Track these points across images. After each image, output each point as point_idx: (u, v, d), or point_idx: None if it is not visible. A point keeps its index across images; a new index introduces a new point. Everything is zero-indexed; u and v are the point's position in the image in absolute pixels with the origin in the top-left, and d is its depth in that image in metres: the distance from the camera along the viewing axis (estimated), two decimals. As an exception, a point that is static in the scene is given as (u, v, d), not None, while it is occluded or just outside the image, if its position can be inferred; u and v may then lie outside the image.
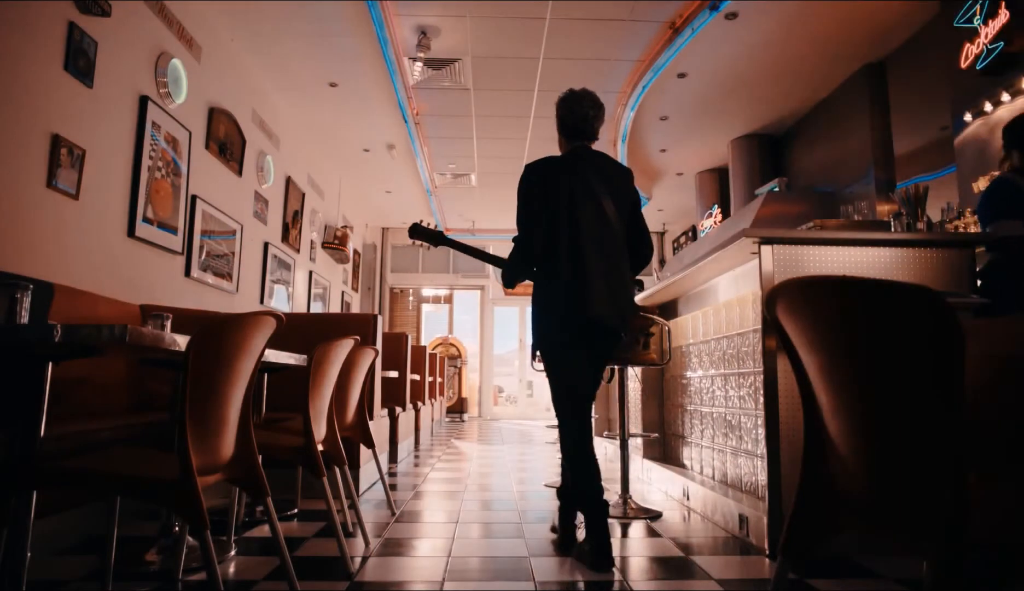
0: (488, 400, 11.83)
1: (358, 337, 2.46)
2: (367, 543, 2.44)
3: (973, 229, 3.70)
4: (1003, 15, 3.82)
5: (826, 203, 5.89)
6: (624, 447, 3.19)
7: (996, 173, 3.90)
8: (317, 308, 7.58)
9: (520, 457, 5.48)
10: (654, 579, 2.07)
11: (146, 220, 3.80)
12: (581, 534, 2.34)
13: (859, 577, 2.05)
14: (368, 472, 3.63)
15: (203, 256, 4.59)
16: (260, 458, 1.64)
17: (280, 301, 6.35)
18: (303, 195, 6.96)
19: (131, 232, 3.66)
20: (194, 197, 4.41)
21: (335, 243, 7.89)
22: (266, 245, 5.92)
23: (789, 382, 2.30)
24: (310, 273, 7.31)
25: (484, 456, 5.54)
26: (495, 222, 10.73)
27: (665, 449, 4.11)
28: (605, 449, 5.08)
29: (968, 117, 4.19)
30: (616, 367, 3.26)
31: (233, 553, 2.28)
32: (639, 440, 4.18)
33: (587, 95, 2.50)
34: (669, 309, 4.06)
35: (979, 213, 2.97)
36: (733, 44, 5.19)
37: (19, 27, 2.79)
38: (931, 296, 0.92)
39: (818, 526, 1.16)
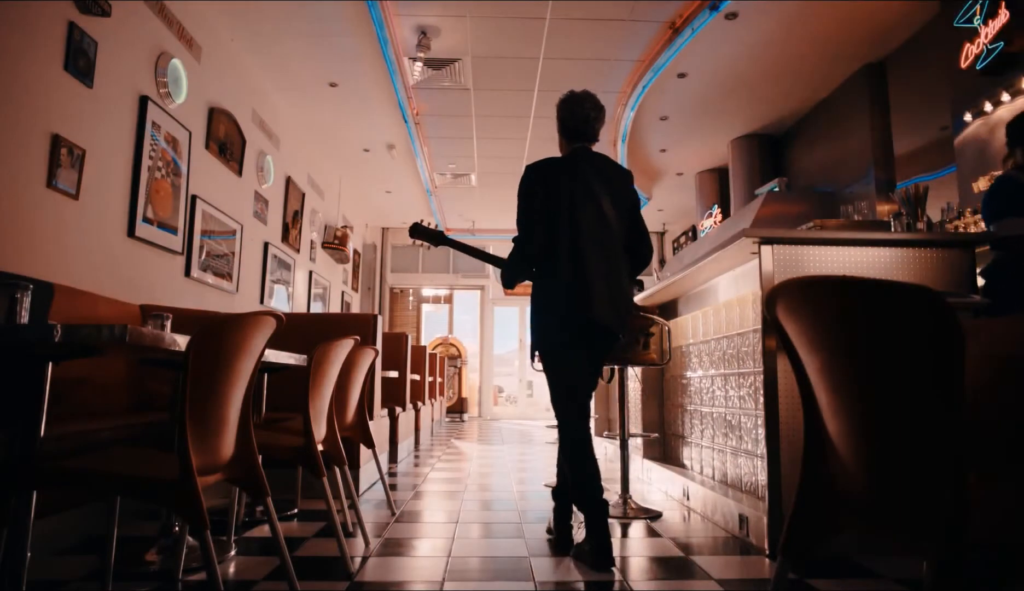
0: (488, 400, 11.84)
1: (358, 337, 2.46)
2: (367, 543, 2.44)
3: (973, 229, 3.71)
4: (1003, 15, 3.82)
5: (826, 203, 5.89)
6: (624, 447, 3.19)
7: (997, 172, 3.90)
8: (317, 308, 7.58)
9: (520, 457, 5.48)
10: (654, 579, 2.07)
11: (146, 220, 3.80)
12: (580, 534, 2.34)
13: (859, 577, 2.05)
14: (368, 472, 3.63)
15: (203, 256, 4.59)
16: (260, 458, 1.64)
17: (280, 301, 6.35)
18: (303, 195, 6.97)
19: (131, 232, 3.66)
20: (194, 197, 4.41)
21: (335, 243, 7.89)
22: (266, 245, 5.92)
23: (789, 382, 2.30)
24: (310, 273, 7.31)
25: (484, 456, 5.54)
26: (495, 222, 10.73)
27: (665, 449, 4.11)
28: (605, 449, 5.08)
29: (968, 117, 4.19)
30: (616, 367, 3.26)
31: (233, 553, 2.28)
32: (639, 440, 4.18)
33: (588, 97, 2.51)
34: (669, 309, 4.06)
35: (983, 211, 2.96)
36: (733, 44, 5.19)
37: (19, 27, 2.79)
38: (931, 296, 0.92)
39: (818, 526, 1.16)
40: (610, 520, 2.59)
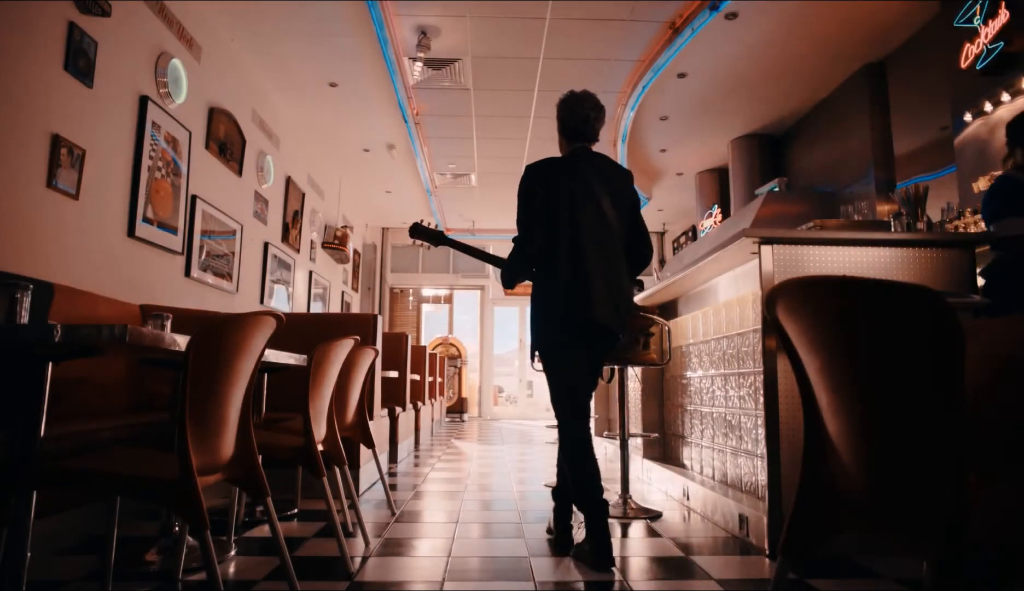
0: (488, 400, 11.84)
1: (358, 337, 2.46)
2: (367, 543, 2.44)
3: (973, 229, 3.71)
4: (1003, 15, 3.82)
5: (826, 203, 5.89)
6: (624, 447, 3.19)
7: (997, 172, 3.90)
8: (317, 308, 7.58)
9: (520, 457, 5.48)
10: (654, 579, 2.07)
11: (146, 220, 3.80)
12: (580, 534, 2.34)
13: (859, 577, 2.05)
14: (368, 472, 3.64)
15: (203, 256, 4.59)
16: (260, 458, 1.64)
17: (280, 301, 6.35)
18: (303, 195, 6.97)
19: (131, 232, 3.66)
20: (194, 197, 4.41)
21: (335, 243, 7.89)
22: (266, 245, 5.92)
23: (789, 382, 2.30)
24: (310, 273, 7.31)
25: (484, 456, 5.54)
26: (495, 222, 10.73)
27: (665, 449, 4.11)
28: (605, 449, 5.09)
29: (968, 117, 4.19)
30: (616, 367, 3.26)
31: (233, 553, 2.28)
32: (639, 440, 4.18)
33: (588, 97, 2.51)
34: (669, 309, 4.06)
35: (983, 211, 2.96)
36: (733, 44, 5.19)
37: (19, 27, 2.79)
38: (931, 296, 0.92)
39: (818, 526, 1.16)
40: (610, 520, 2.59)
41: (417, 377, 6.08)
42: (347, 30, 4.93)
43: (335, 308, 8.48)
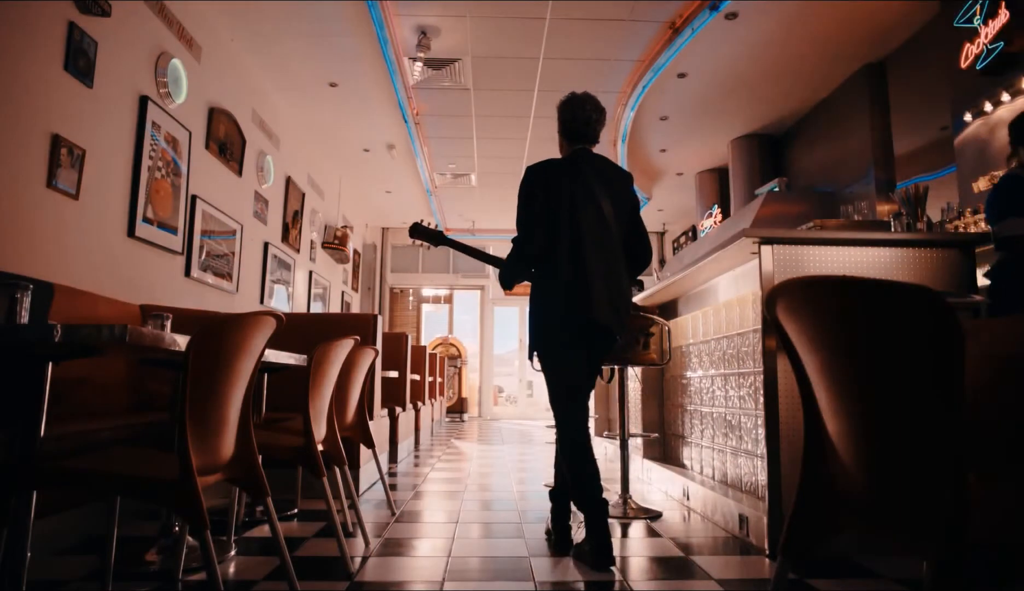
0: (488, 400, 11.84)
1: (358, 337, 2.46)
2: (367, 543, 2.44)
3: (973, 229, 3.70)
4: (1003, 15, 3.82)
5: (826, 203, 5.89)
6: (624, 447, 3.19)
7: (998, 172, 3.90)
8: (317, 308, 7.58)
9: (520, 457, 5.48)
10: (654, 579, 2.07)
11: (146, 220, 3.80)
12: (580, 534, 2.34)
13: (859, 577, 2.05)
14: (368, 472, 3.64)
15: (203, 256, 4.59)
16: (260, 458, 1.64)
17: (280, 301, 6.35)
18: (303, 195, 6.97)
19: (131, 232, 3.66)
20: (194, 197, 4.41)
21: (335, 243, 7.89)
22: (266, 245, 5.92)
23: (789, 382, 2.30)
24: (310, 273, 7.31)
25: (484, 456, 5.54)
26: (495, 222, 10.73)
27: (665, 449, 4.11)
28: (605, 449, 5.09)
29: (968, 117, 4.19)
30: (616, 367, 3.26)
31: (233, 553, 2.28)
32: (639, 440, 4.18)
33: (589, 99, 2.51)
34: (669, 309, 4.06)
35: (987, 211, 2.93)
36: (733, 44, 5.19)
37: (19, 27, 2.79)
38: (931, 296, 0.92)
39: (818, 526, 1.16)
40: (610, 520, 2.59)
41: (417, 377, 6.08)
42: (347, 30, 4.93)
43: (335, 308, 8.48)
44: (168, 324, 1.83)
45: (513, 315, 12.19)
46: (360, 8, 4.61)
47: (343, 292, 8.94)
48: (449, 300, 12.12)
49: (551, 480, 2.50)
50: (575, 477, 2.29)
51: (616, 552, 2.27)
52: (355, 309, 9.71)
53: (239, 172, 5.26)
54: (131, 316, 3.22)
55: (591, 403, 2.66)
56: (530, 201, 2.39)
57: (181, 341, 1.46)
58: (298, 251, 6.80)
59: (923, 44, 5.02)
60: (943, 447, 0.95)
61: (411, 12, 4.79)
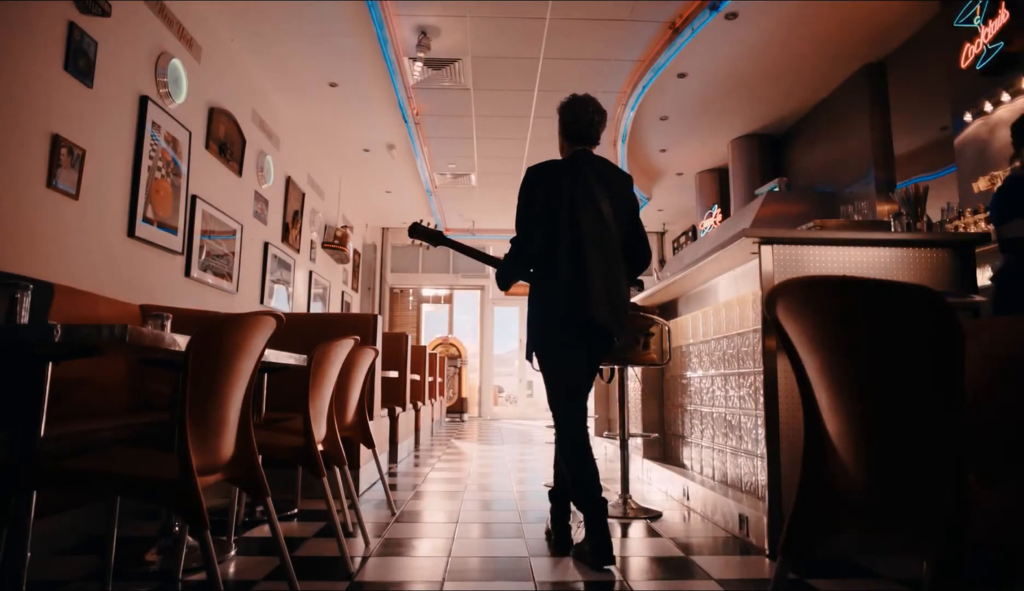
0: (488, 400, 11.84)
1: (358, 337, 2.46)
2: (367, 543, 2.44)
3: (973, 229, 3.71)
4: (1003, 15, 3.82)
5: (826, 203, 5.89)
6: (624, 447, 3.19)
7: (997, 173, 3.90)
8: (317, 308, 7.58)
9: (520, 457, 5.48)
10: (654, 579, 2.07)
11: (146, 220, 3.80)
12: (580, 534, 2.34)
13: (859, 577, 2.05)
14: (368, 472, 3.64)
15: (203, 256, 4.59)
16: (260, 458, 1.64)
17: (280, 301, 6.35)
18: (303, 195, 6.97)
19: (131, 232, 3.66)
20: (194, 197, 4.41)
21: (335, 243, 7.89)
22: (266, 245, 5.92)
23: (789, 382, 2.30)
24: (310, 273, 7.31)
25: (484, 456, 5.54)
26: (495, 222, 10.73)
27: (665, 449, 4.11)
28: (605, 449, 5.09)
29: (968, 117, 4.19)
30: (616, 367, 3.26)
31: (233, 553, 2.28)
32: (639, 440, 4.18)
33: (591, 100, 2.52)
34: (669, 309, 4.06)
35: (992, 212, 2.92)
36: (733, 44, 5.19)
37: (19, 27, 2.79)
38: (931, 296, 0.92)
39: (818, 526, 1.16)
40: (610, 520, 2.59)
41: (417, 377, 6.08)
42: (347, 30, 4.93)
43: (335, 308, 8.48)
44: (168, 324, 1.83)
45: (513, 315, 12.20)
46: (360, 8, 4.61)
47: (343, 292, 8.94)
48: (449, 300, 12.12)
49: (551, 480, 2.50)
50: (575, 477, 2.29)
51: (616, 552, 2.27)
52: (355, 309, 9.71)
53: (239, 172, 5.26)
54: (131, 316, 3.22)
55: (591, 403, 2.66)
56: (530, 201, 2.39)
57: (181, 341, 1.46)
58: (298, 251, 6.80)
59: (923, 44, 5.02)
60: (943, 447, 0.95)
61: (411, 12, 4.79)
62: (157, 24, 3.96)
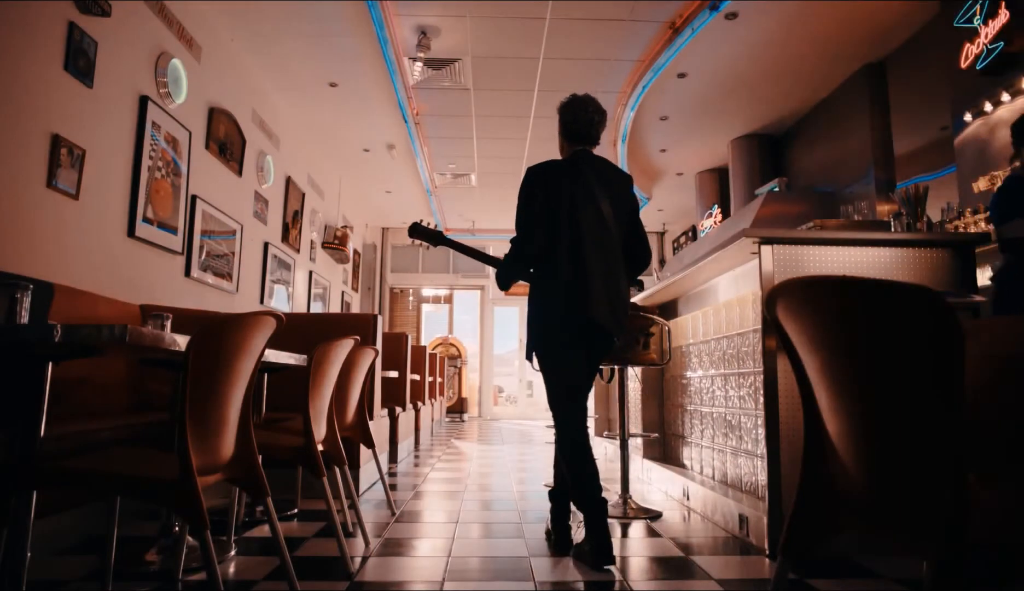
0: (488, 400, 11.84)
1: (358, 337, 2.46)
2: (367, 543, 2.44)
3: (973, 229, 3.71)
4: (1003, 15, 3.82)
5: (826, 203, 5.89)
6: (624, 447, 3.19)
7: (997, 173, 3.90)
8: (317, 308, 7.58)
9: (520, 457, 5.48)
10: (654, 579, 2.07)
11: (146, 220, 3.80)
12: (580, 534, 2.34)
13: (859, 577, 2.05)
14: (368, 472, 3.63)
15: (203, 256, 4.59)
16: (260, 458, 1.64)
17: (280, 301, 6.35)
18: (303, 195, 6.97)
19: (131, 232, 3.66)
20: (194, 197, 4.41)
21: (335, 243, 7.89)
22: (266, 245, 5.92)
23: (789, 382, 2.30)
24: (310, 273, 7.31)
25: (484, 456, 5.54)
26: (495, 222, 10.73)
27: (665, 449, 4.11)
28: (605, 449, 5.09)
29: (968, 117, 4.19)
30: (616, 367, 3.26)
31: (233, 553, 2.28)
32: (639, 440, 4.18)
33: (591, 101, 2.52)
34: (669, 309, 4.06)
35: (992, 212, 2.92)
36: (733, 44, 5.19)
37: (19, 27, 2.79)
38: (931, 296, 0.92)
39: (818, 526, 1.16)
40: (610, 520, 2.59)
41: (417, 377, 6.08)
42: (347, 30, 4.93)
43: (335, 308, 8.48)
44: (168, 324, 1.83)
45: (513, 315, 12.20)
46: (360, 8, 4.61)
47: (343, 292, 8.94)
48: (449, 300, 12.12)
49: (551, 480, 2.50)
50: (575, 477, 2.29)
51: (616, 552, 2.27)
52: (355, 309, 9.71)
53: (239, 172, 5.26)
54: (131, 316, 3.22)
55: (591, 403, 2.66)
56: (530, 201, 2.39)
57: (181, 341, 1.46)
58: (298, 251, 6.80)
59: (923, 44, 5.02)
60: (943, 447, 0.95)
61: (411, 12, 4.79)
62: (157, 24, 3.96)
